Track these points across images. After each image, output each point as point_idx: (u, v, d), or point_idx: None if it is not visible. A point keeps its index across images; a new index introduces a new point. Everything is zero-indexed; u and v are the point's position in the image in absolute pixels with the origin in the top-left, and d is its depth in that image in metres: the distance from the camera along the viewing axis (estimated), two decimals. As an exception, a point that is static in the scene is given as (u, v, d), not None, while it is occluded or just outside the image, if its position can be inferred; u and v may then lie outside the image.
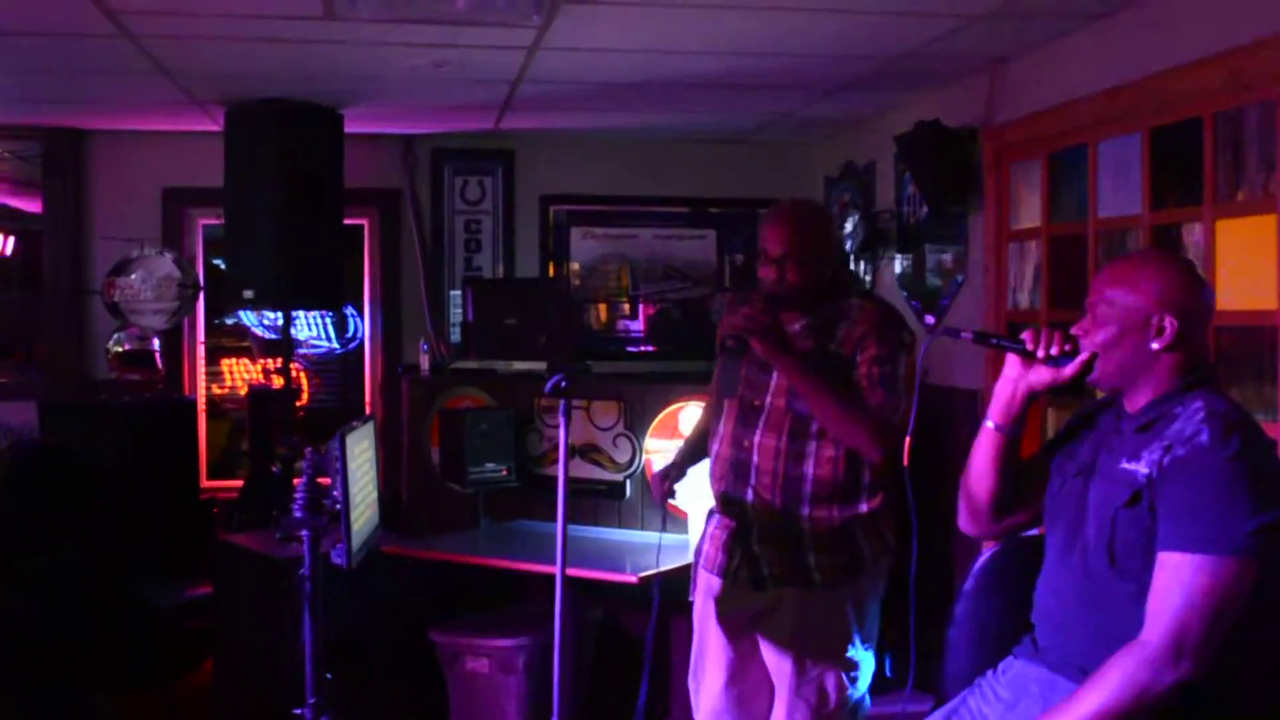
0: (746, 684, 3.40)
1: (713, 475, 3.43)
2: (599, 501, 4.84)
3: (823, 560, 3.21)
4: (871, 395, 3.11)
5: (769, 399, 3.25)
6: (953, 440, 4.59)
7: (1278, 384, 3.32)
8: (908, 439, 2.49)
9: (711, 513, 3.45)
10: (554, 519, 3.23)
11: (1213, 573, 2.10)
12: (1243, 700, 2.21)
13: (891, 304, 3.36)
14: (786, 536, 3.23)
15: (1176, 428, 2.22)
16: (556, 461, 3.42)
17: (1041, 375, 2.39)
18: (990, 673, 2.53)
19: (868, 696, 3.38)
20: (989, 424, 2.48)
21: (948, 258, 5.24)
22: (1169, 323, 2.27)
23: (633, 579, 4.11)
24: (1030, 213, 4.60)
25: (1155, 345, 2.28)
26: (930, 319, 5.34)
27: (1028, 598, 2.52)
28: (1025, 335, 2.41)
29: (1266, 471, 2.17)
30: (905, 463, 2.49)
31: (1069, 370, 2.36)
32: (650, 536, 4.56)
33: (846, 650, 3.24)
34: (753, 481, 3.26)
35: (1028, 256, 4.62)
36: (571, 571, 4.11)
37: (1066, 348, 2.36)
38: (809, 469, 3.19)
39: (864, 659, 3.30)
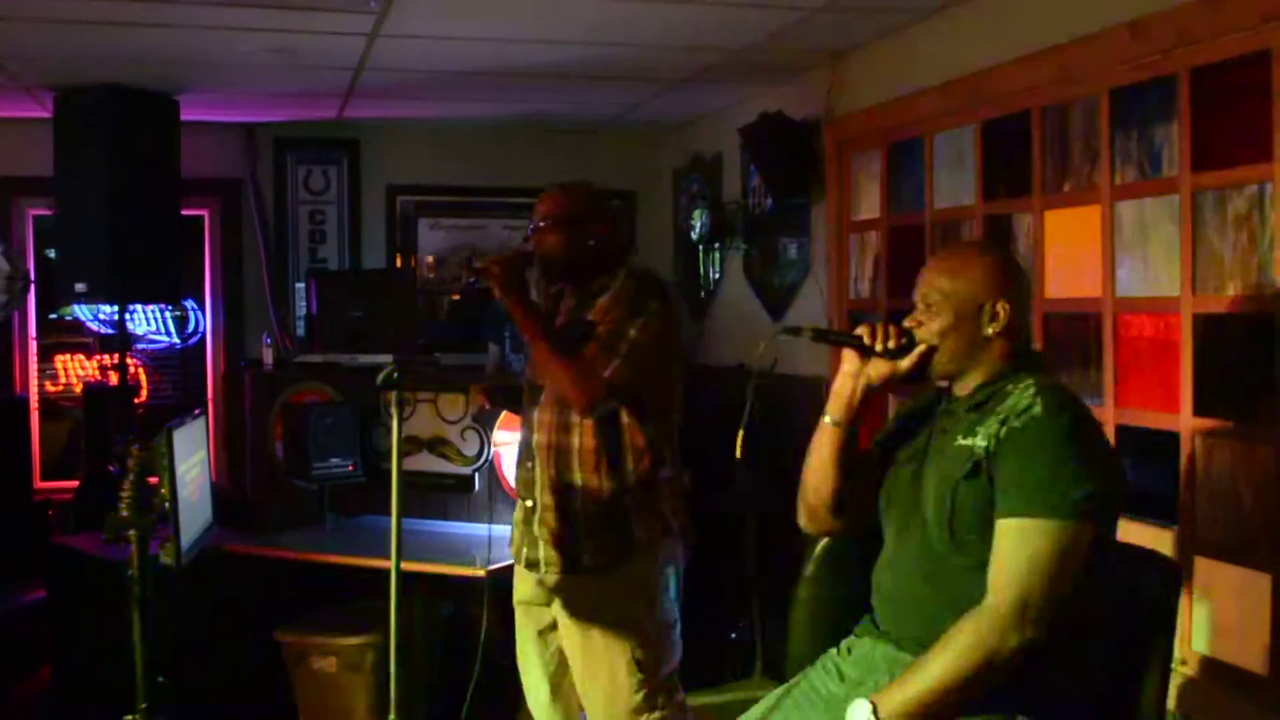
0: (566, 673, 3.40)
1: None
2: (448, 495, 4.79)
3: (594, 543, 3.23)
4: (589, 350, 3.16)
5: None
6: (796, 429, 4.64)
7: (1103, 369, 3.44)
8: (740, 432, 2.46)
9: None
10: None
11: (1053, 536, 2.16)
12: (1074, 662, 2.27)
13: (655, 278, 3.38)
14: (562, 514, 3.26)
15: (1010, 403, 2.29)
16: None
17: (880, 369, 2.45)
18: (834, 650, 2.57)
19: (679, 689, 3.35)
20: (827, 420, 2.52)
21: (792, 249, 5.31)
22: (1002, 308, 2.37)
23: (481, 573, 4.08)
24: (870, 203, 4.68)
25: (990, 331, 2.37)
26: (773, 312, 5.41)
27: (867, 582, 2.56)
28: (861, 330, 2.48)
29: (1095, 444, 2.26)
30: (737, 455, 2.48)
31: (906, 363, 2.43)
32: (500, 530, 4.54)
33: (633, 637, 3.22)
34: (536, 457, 3.31)
35: (868, 247, 4.71)
36: (419, 567, 4.08)
37: (903, 341, 2.43)
38: (576, 439, 3.24)
39: (657, 645, 3.26)
